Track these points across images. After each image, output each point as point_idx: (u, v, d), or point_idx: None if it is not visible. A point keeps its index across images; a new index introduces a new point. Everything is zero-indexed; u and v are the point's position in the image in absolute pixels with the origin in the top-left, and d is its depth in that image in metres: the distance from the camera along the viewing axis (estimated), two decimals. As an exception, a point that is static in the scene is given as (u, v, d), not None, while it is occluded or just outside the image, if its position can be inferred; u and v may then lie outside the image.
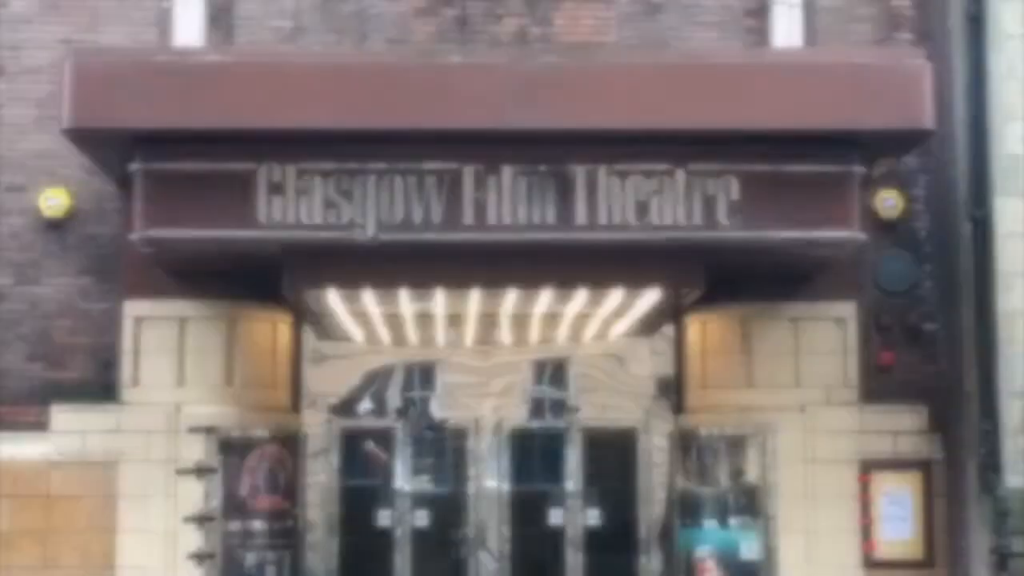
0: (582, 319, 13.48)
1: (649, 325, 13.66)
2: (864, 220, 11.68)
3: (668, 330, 13.83)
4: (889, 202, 13.11)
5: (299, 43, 12.97)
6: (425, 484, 13.99)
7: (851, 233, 11.21)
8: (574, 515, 13.81)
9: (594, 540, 13.76)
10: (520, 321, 13.60)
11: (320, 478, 13.62)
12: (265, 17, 13.12)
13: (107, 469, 12.52)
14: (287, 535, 13.11)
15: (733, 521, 13.08)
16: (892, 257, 13.15)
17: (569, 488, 13.87)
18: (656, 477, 13.79)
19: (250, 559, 12.80)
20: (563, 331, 13.76)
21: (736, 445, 13.11)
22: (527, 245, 11.16)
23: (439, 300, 12.51)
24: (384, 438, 14.00)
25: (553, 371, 14.13)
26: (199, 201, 10.93)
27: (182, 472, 12.49)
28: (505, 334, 13.88)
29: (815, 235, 11.23)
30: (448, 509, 13.88)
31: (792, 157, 11.02)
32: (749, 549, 12.96)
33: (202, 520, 12.49)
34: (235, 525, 12.77)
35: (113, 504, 12.49)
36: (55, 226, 12.85)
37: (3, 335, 12.75)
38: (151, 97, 10.63)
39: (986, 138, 12.12)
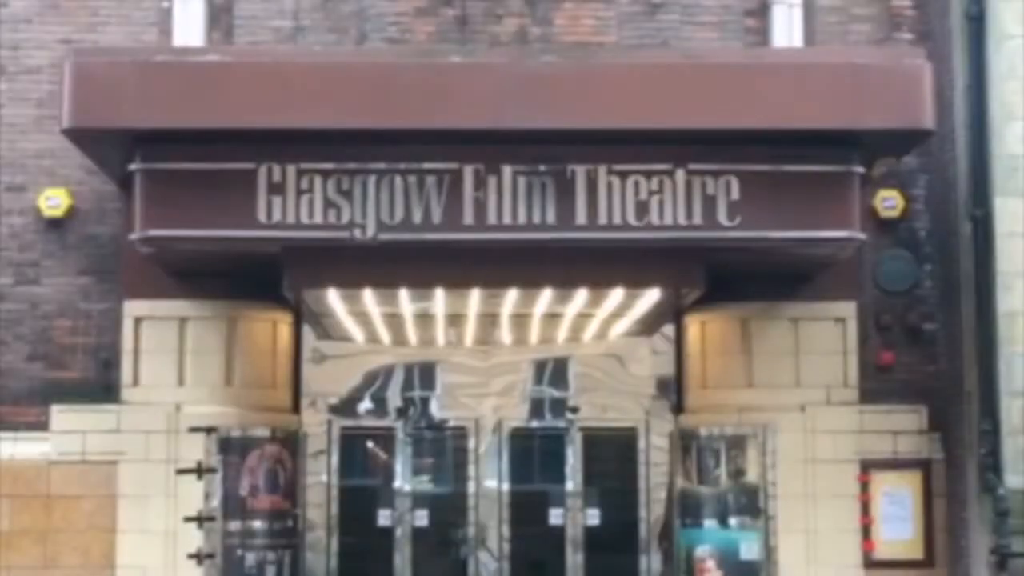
0: (582, 319, 13.49)
1: (649, 325, 13.67)
2: (864, 220, 11.70)
3: (668, 330, 13.84)
4: (889, 202, 13.11)
5: (299, 43, 12.97)
6: (425, 484, 13.99)
7: (851, 233, 11.22)
8: (574, 515, 13.81)
9: (594, 540, 13.77)
10: (520, 321, 13.61)
11: (320, 478, 13.63)
12: (265, 17, 13.12)
13: (107, 469, 12.53)
14: (287, 535, 13.11)
15: (733, 521, 13.07)
16: (892, 257, 13.15)
17: (569, 488, 13.87)
18: (656, 477, 13.80)
19: (250, 559, 12.79)
20: (563, 331, 13.77)
21: (736, 445, 13.10)
22: (527, 245, 11.16)
23: (439, 300, 12.51)
24: (384, 438, 14.00)
25: (553, 371, 14.13)
26: (199, 201, 10.93)
27: (182, 472, 12.48)
28: (505, 334, 13.89)
29: (815, 235, 11.23)
30: (448, 509, 13.88)
31: (792, 157, 11.02)
32: (749, 549, 12.95)
33: (202, 520, 12.49)
34: (235, 525, 12.77)
35: (113, 504, 12.50)
36: (55, 226, 12.85)
37: (3, 335, 12.75)
38: (151, 97, 10.63)
39: (986, 138, 12.12)
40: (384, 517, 13.76)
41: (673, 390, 13.83)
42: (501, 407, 14.00)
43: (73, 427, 12.57)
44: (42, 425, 12.62)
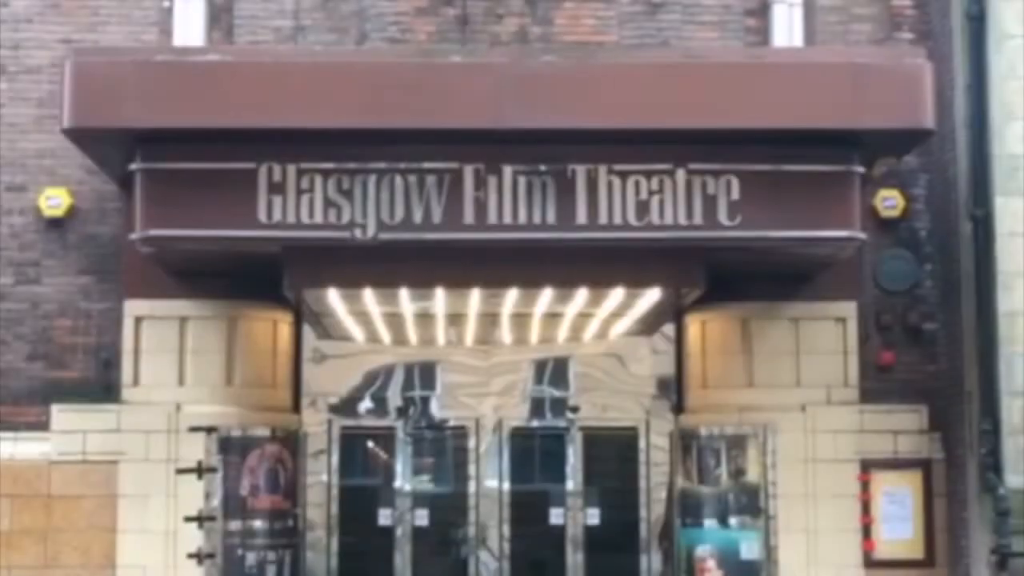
0: (582, 319, 13.49)
1: (649, 325, 13.67)
2: (864, 220, 11.70)
3: (668, 330, 13.84)
4: (889, 202, 13.11)
5: (299, 42, 12.97)
6: (425, 483, 14.00)
7: (851, 233, 11.21)
8: (574, 514, 13.82)
9: (594, 539, 13.77)
10: (520, 321, 13.61)
11: (320, 477, 13.63)
12: (265, 17, 13.12)
13: (107, 469, 12.53)
14: (287, 534, 13.10)
15: (733, 520, 13.07)
16: (892, 257, 13.15)
17: (569, 487, 13.88)
18: (656, 476, 13.81)
19: (250, 558, 12.79)
20: (563, 331, 13.77)
21: (736, 445, 13.10)
22: (527, 245, 11.16)
23: (439, 300, 12.51)
24: (384, 437, 14.00)
25: (553, 371, 14.13)
26: (199, 201, 10.92)
27: (182, 472, 12.48)
28: (505, 334, 13.89)
29: (815, 235, 11.23)
30: (449, 508, 13.89)
31: (792, 157, 11.02)
32: (749, 548, 12.95)
33: (202, 520, 12.49)
34: (235, 524, 12.76)
35: (113, 504, 12.50)
36: (55, 225, 12.85)
37: (4, 335, 12.75)
38: (151, 96, 10.63)
39: (986, 138, 12.12)
40: (384, 517, 13.77)
41: (673, 390, 13.83)
42: (501, 407, 14.01)
43: (73, 427, 12.58)
44: (42, 425, 12.62)
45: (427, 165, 11.02)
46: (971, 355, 12.32)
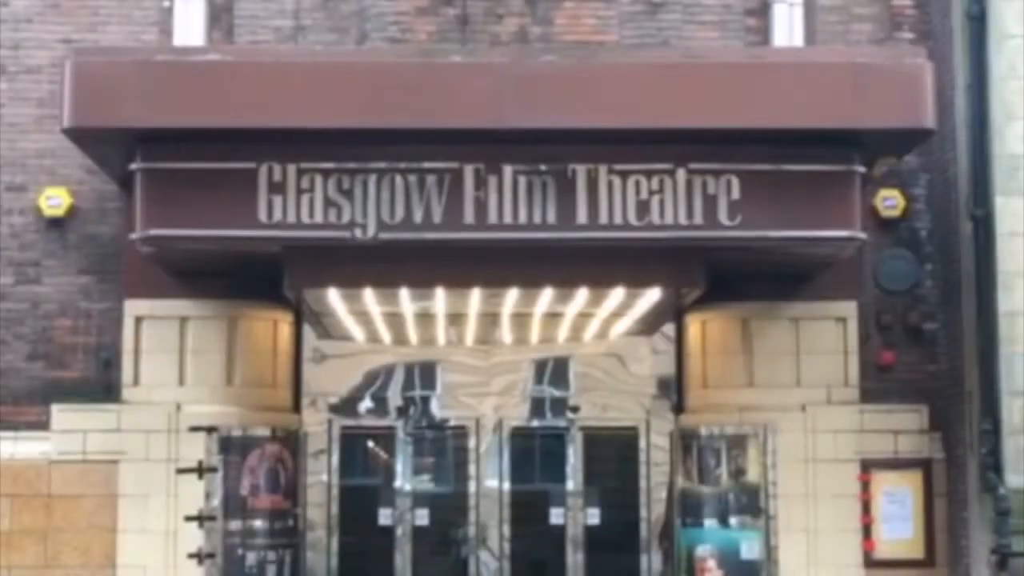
0: (583, 318, 13.49)
1: (650, 324, 13.66)
2: (865, 219, 11.70)
3: (669, 329, 13.84)
4: (890, 201, 13.11)
5: (300, 42, 12.97)
6: (426, 483, 14.00)
7: (852, 232, 11.21)
8: (575, 514, 13.82)
9: (594, 539, 13.77)
10: (521, 320, 13.61)
11: (321, 477, 13.63)
12: (266, 16, 13.12)
13: (108, 468, 12.53)
14: (288, 534, 13.11)
15: (734, 520, 13.07)
16: (893, 256, 13.15)
17: (570, 487, 13.89)
18: (656, 476, 13.81)
19: (251, 558, 12.79)
20: (564, 330, 13.77)
21: (737, 444, 13.10)
22: (528, 244, 11.15)
23: (440, 299, 12.51)
24: (385, 437, 14.00)
25: (554, 370, 14.13)
26: (200, 200, 10.92)
27: (183, 471, 12.48)
28: (506, 333, 13.89)
29: (816, 234, 11.23)
30: (449, 508, 13.89)
31: (793, 156, 11.01)
32: (750, 548, 12.95)
33: (203, 519, 12.48)
34: (236, 524, 12.77)
35: (114, 503, 12.50)
36: (56, 225, 12.85)
37: (4, 334, 12.75)
38: (152, 96, 10.63)
39: (987, 137, 12.12)
40: (385, 516, 13.77)
41: (674, 389, 13.83)
42: (502, 406, 14.01)
43: (74, 426, 12.57)
44: (43, 424, 12.62)
45: (427, 165, 11.02)
46: (971, 355, 12.32)
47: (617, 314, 13.25)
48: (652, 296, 12.40)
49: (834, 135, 10.92)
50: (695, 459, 13.31)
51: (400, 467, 13.92)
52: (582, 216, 11.07)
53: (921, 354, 13.11)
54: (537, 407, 14.09)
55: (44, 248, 12.88)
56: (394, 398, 14.04)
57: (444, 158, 11.02)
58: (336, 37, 13.10)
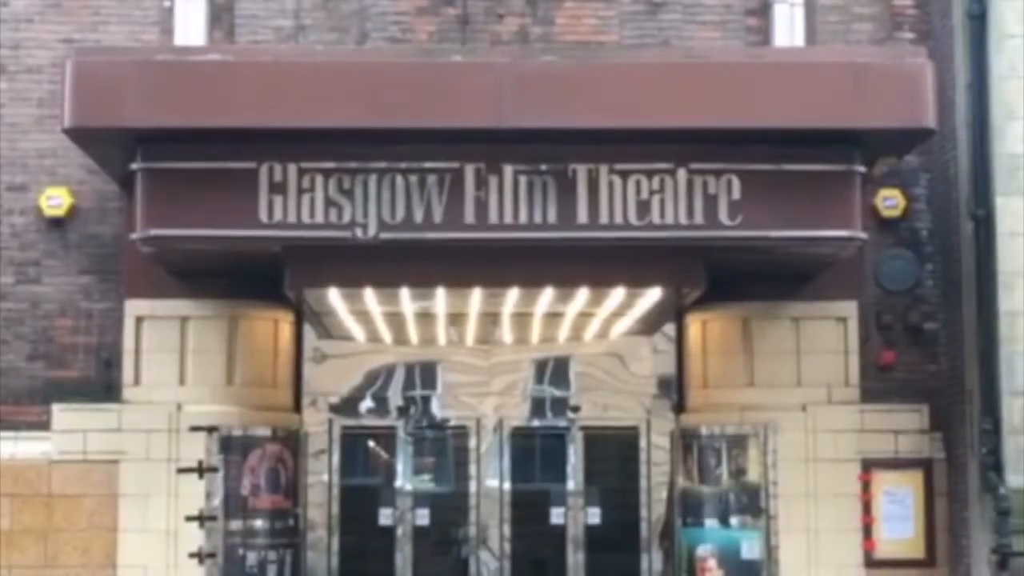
0: (583, 318, 13.49)
1: (650, 324, 13.66)
2: (865, 219, 11.70)
3: (669, 329, 13.84)
4: (890, 201, 13.11)
5: (300, 42, 12.97)
6: (426, 483, 14.00)
7: (852, 232, 11.21)
8: (575, 514, 13.82)
9: (595, 539, 13.77)
10: (521, 320, 13.61)
11: (321, 477, 13.63)
12: (266, 16, 13.12)
13: (108, 468, 12.52)
14: (288, 534, 13.11)
15: (734, 520, 13.07)
16: (893, 256, 13.15)
17: (570, 487, 13.89)
18: (657, 476, 13.81)
19: (251, 558, 12.79)
20: (564, 330, 13.77)
21: (737, 444, 13.10)
22: (528, 244, 11.15)
23: (440, 299, 12.51)
24: (385, 437, 14.00)
25: (554, 370, 14.12)
26: (200, 200, 10.92)
27: (183, 471, 12.48)
28: (506, 333, 13.88)
29: (816, 234, 11.23)
30: (449, 508, 13.88)
31: (793, 156, 11.01)
32: (750, 548, 12.95)
33: (203, 519, 12.48)
34: (236, 524, 12.77)
35: (114, 503, 12.50)
36: (56, 225, 12.85)
37: (4, 334, 12.76)
38: (152, 96, 10.63)
39: (987, 137, 12.12)
40: (385, 516, 13.77)
41: (674, 389, 13.84)
42: (502, 406, 14.01)
43: (74, 426, 12.57)
44: (43, 424, 12.62)
45: (428, 165, 11.02)
46: (972, 354, 12.32)
47: (618, 314, 13.25)
48: (653, 296, 12.41)
49: (835, 135, 10.92)
50: (696, 459, 13.31)
51: (401, 467, 13.92)
52: (583, 216, 11.07)
53: (922, 354, 13.11)
54: (538, 407, 14.09)
55: (45, 248, 12.88)
56: (395, 398, 14.03)
57: (445, 158, 11.02)
58: (337, 37, 13.10)
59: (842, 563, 12.72)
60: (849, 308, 13.06)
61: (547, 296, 12.48)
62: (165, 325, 12.79)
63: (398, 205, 11.02)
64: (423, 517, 13.79)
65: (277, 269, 11.60)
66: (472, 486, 13.89)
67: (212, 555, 12.53)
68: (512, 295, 12.48)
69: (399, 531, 13.75)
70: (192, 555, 12.40)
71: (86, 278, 12.86)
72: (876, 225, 12.92)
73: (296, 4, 13.12)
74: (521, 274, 11.69)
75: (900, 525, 12.86)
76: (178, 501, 12.49)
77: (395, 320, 13.38)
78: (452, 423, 14.05)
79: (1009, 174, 11.98)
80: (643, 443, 13.87)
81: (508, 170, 11.06)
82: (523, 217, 11.06)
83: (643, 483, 13.84)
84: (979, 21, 12.21)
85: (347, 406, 13.91)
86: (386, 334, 13.73)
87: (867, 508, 12.81)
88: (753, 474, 13.04)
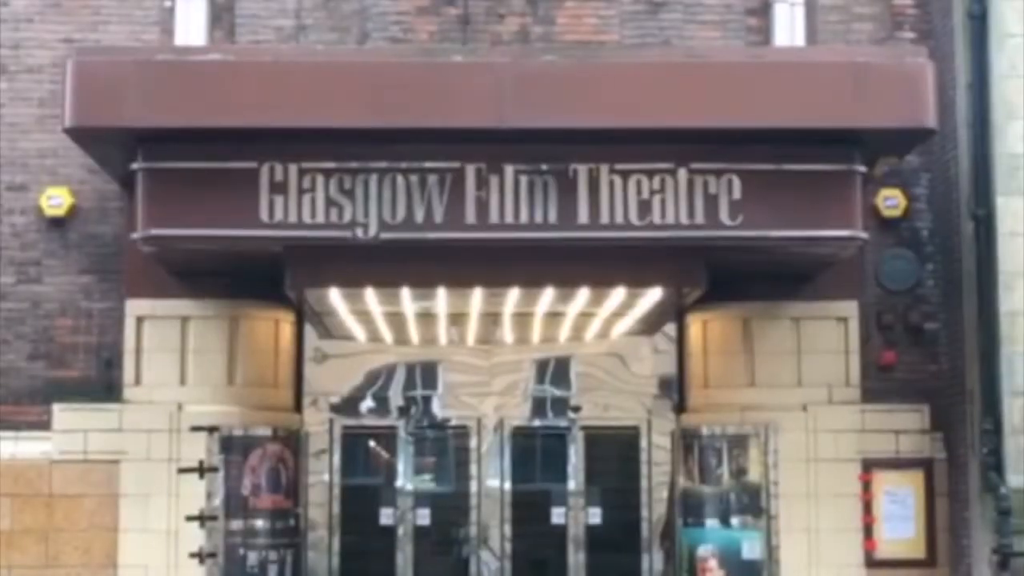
0: (584, 318, 13.49)
1: (651, 324, 13.66)
2: (866, 219, 11.69)
3: (670, 329, 13.84)
4: (891, 201, 13.11)
5: (301, 42, 12.97)
6: (427, 483, 13.99)
7: (853, 232, 11.20)
8: (576, 514, 13.82)
9: (596, 539, 13.77)
10: (522, 320, 13.61)
11: (322, 477, 13.63)
12: (267, 16, 13.12)
13: (109, 468, 12.52)
14: (289, 534, 13.11)
15: (735, 520, 13.07)
16: (894, 256, 13.15)
17: (571, 487, 13.88)
18: (658, 476, 13.80)
19: (252, 558, 12.79)
20: (565, 330, 13.76)
21: (738, 444, 13.10)
22: (529, 244, 11.15)
23: (441, 299, 12.51)
24: (386, 437, 14.00)
25: (555, 370, 14.12)
26: (201, 200, 10.92)
27: (184, 471, 12.48)
28: (507, 333, 13.88)
29: (817, 234, 11.23)
30: (450, 508, 13.88)
31: (794, 156, 11.01)
32: (751, 548, 12.95)
33: (204, 519, 12.49)
34: (237, 524, 12.77)
35: (115, 503, 12.49)
36: (57, 225, 12.86)
37: (5, 334, 12.76)
38: (153, 96, 10.63)
39: (988, 137, 12.12)
40: (386, 516, 13.77)
41: (675, 389, 13.83)
42: (503, 406, 14.00)
43: (75, 426, 12.57)
44: (44, 424, 12.62)
45: (429, 164, 11.02)
46: (972, 355, 12.32)
47: (618, 314, 13.25)
48: (653, 296, 12.41)
49: (835, 135, 10.92)
50: (696, 459, 13.31)
51: (401, 467, 13.92)
52: (583, 216, 11.07)
53: (922, 354, 13.11)
54: (538, 407, 14.09)
55: (45, 248, 12.88)
56: (395, 398, 14.03)
57: (445, 158, 11.02)
58: (337, 37, 13.10)
59: (843, 563, 12.71)
60: (850, 308, 13.06)
61: (548, 296, 12.48)
62: (166, 325, 12.79)
63: (399, 205, 11.02)
64: (424, 517, 13.79)
65: (278, 269, 11.60)
66: (473, 486, 13.89)
67: (213, 555, 12.53)
68: (513, 295, 12.48)
69: (400, 531, 13.75)
70: (193, 555, 12.40)
71: (87, 278, 12.87)
72: (877, 225, 12.92)
73: (297, 4, 13.13)
74: (522, 274, 11.69)
75: (901, 525, 12.86)
76: (179, 501, 12.49)
77: (396, 320, 13.38)
78: (453, 423, 14.05)
79: (1010, 174, 11.99)
80: (644, 443, 13.86)
81: (509, 170, 11.06)
82: (524, 217, 11.06)
83: (644, 483, 13.84)
84: (980, 21, 12.21)
85: (348, 406, 13.91)
86: (387, 334, 13.73)
87: (868, 508, 12.81)
88: (754, 474, 13.04)
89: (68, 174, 12.83)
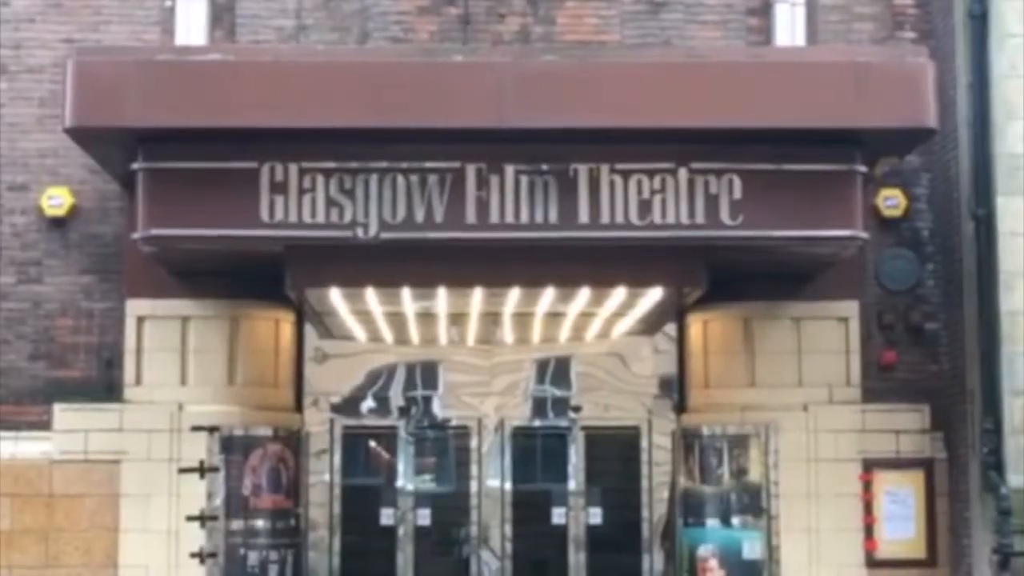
0: (584, 318, 13.49)
1: (651, 324, 13.66)
2: (866, 219, 11.69)
3: (670, 329, 13.84)
4: (891, 201, 13.11)
5: (301, 42, 12.98)
6: (427, 483, 13.99)
7: (853, 232, 11.20)
8: (576, 514, 13.81)
9: (596, 539, 13.77)
10: (522, 320, 13.61)
11: (323, 477, 13.63)
12: (267, 16, 13.13)
13: (109, 468, 12.53)
14: (289, 534, 13.11)
15: (735, 520, 13.07)
16: (894, 256, 13.15)
17: (571, 487, 13.88)
18: (658, 476, 13.80)
19: (252, 558, 12.79)
20: (565, 330, 13.76)
21: (738, 444, 13.10)
22: (529, 244, 11.15)
23: (441, 299, 12.51)
24: (386, 437, 14.00)
25: (555, 370, 14.12)
26: (202, 200, 10.92)
27: (184, 471, 12.48)
28: (507, 333, 13.88)
29: (818, 234, 11.23)
30: (451, 508, 13.88)
31: (794, 156, 11.01)
32: (751, 548, 12.95)
33: (204, 519, 12.49)
34: (237, 524, 12.77)
35: (115, 503, 12.50)
36: (57, 225, 12.86)
37: (6, 334, 12.76)
38: (153, 96, 10.63)
39: (988, 137, 12.12)
40: (386, 516, 13.76)
41: (675, 389, 13.83)
42: (503, 406, 14.00)
43: (75, 426, 12.58)
44: (44, 424, 12.63)
45: (429, 164, 11.02)
46: (973, 354, 12.32)
47: (619, 314, 13.25)
48: (654, 296, 12.41)
49: (836, 134, 10.92)
50: (697, 459, 13.31)
51: (402, 467, 13.92)
52: (584, 216, 11.07)
53: (923, 354, 13.11)
54: (539, 407, 14.08)
55: (46, 248, 12.89)
56: (396, 398, 14.03)
57: (446, 158, 11.02)
58: (338, 36, 13.10)
59: (843, 563, 12.72)
60: (850, 308, 13.06)
61: (548, 296, 12.48)
62: (166, 325, 12.80)
63: (399, 205, 11.02)
64: (424, 517, 13.79)
65: (278, 269, 11.59)
66: (473, 486, 13.88)
67: (213, 555, 12.53)
68: (513, 295, 12.48)
69: (400, 531, 13.75)
70: (193, 555, 12.40)
71: (87, 278, 12.87)
72: (877, 225, 12.92)
73: (297, 4, 13.13)
74: (522, 274, 11.69)
75: (901, 525, 12.86)
76: (179, 501, 12.49)
77: (396, 320, 13.38)
78: (453, 423, 14.04)
79: (1010, 174, 11.98)
80: (644, 443, 13.86)
81: (509, 170, 11.06)
82: (524, 217, 11.06)
83: (644, 483, 13.84)
84: (980, 21, 12.21)
85: (348, 406, 13.90)
86: (387, 334, 13.73)
87: (868, 508, 12.81)
88: (754, 474, 13.04)
89: (69, 174, 12.83)
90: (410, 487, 13.86)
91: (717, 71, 10.99)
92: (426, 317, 13.37)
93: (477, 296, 12.47)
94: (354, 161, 11.01)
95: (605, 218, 11.07)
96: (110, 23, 13.01)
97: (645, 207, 11.08)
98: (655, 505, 13.80)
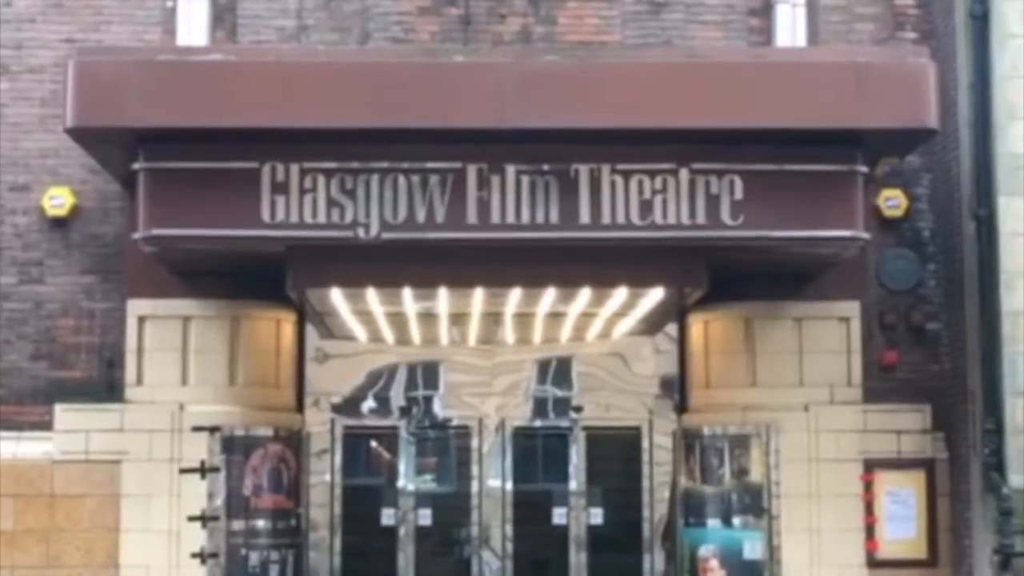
0: (585, 318, 13.49)
1: (652, 324, 13.66)
2: (868, 219, 11.69)
3: (671, 329, 13.84)
4: (893, 201, 13.11)
5: (303, 42, 12.98)
6: (428, 483, 13.99)
7: (854, 232, 11.20)
8: (577, 514, 13.81)
9: (597, 539, 13.77)
10: (523, 320, 13.61)
11: (323, 477, 13.63)
12: (269, 16, 13.13)
13: (111, 468, 12.53)
14: (290, 534, 13.11)
15: (736, 520, 13.07)
16: (896, 256, 13.15)
17: (572, 487, 13.88)
18: (659, 476, 13.80)
19: (253, 558, 12.80)
20: (566, 330, 13.76)
21: (739, 444, 13.10)
22: (530, 244, 11.15)
23: (442, 299, 12.51)
24: (387, 437, 14.00)
25: (556, 370, 14.12)
26: (203, 200, 10.93)
27: (186, 471, 12.49)
28: (508, 333, 13.88)
29: (819, 234, 11.22)
30: (451, 508, 13.88)
31: (796, 156, 11.01)
32: (752, 548, 12.95)
33: (205, 519, 12.49)
34: (238, 524, 12.77)
35: (116, 503, 12.50)
36: (59, 225, 12.86)
37: (7, 334, 12.76)
38: (155, 96, 10.63)
39: (990, 137, 12.12)
40: (387, 516, 13.76)
41: (676, 389, 13.83)
42: (504, 406, 14.00)
43: (77, 426, 12.58)
44: (46, 424, 12.63)
45: (430, 165, 11.02)
46: (974, 355, 12.32)
47: (620, 314, 13.25)
48: (655, 296, 12.41)
49: (837, 135, 10.92)
50: (698, 459, 13.31)
51: (403, 467, 13.92)
52: (585, 216, 11.07)
53: (924, 354, 13.11)
54: (540, 407, 14.08)
55: (47, 248, 12.89)
56: (397, 398, 14.03)
57: (447, 158, 11.02)
58: (339, 37, 13.11)
59: (844, 563, 12.71)
60: (851, 308, 13.06)
61: (549, 296, 12.48)
62: (167, 325, 12.80)
63: (400, 205, 11.02)
64: (425, 517, 13.79)
65: (279, 269, 11.60)
66: (474, 486, 13.88)
67: (214, 555, 12.54)
68: (514, 295, 12.48)
69: (401, 531, 13.75)
70: (194, 555, 12.40)
71: (88, 278, 12.87)
72: (878, 225, 12.92)
73: (298, 4, 13.13)
74: (523, 274, 11.69)
75: (902, 525, 12.86)
76: (180, 501, 12.50)
77: (397, 320, 13.38)
78: (454, 423, 14.04)
79: (1011, 174, 11.98)
80: (645, 443, 13.86)
81: (510, 170, 11.06)
82: (525, 217, 11.06)
83: (645, 483, 13.83)
84: (981, 21, 12.21)
85: (349, 406, 13.91)
86: (388, 334, 13.73)
87: (869, 508, 12.81)
88: (755, 474, 13.04)
89: (70, 174, 12.84)
90: (411, 487, 13.86)
91: (718, 71, 10.99)
92: (427, 317, 13.37)
93: (478, 296, 12.47)
94: (355, 161, 11.01)
95: (606, 218, 11.07)
96: (111, 23, 13.02)
97: (646, 207, 11.08)
98: (656, 505, 13.80)
